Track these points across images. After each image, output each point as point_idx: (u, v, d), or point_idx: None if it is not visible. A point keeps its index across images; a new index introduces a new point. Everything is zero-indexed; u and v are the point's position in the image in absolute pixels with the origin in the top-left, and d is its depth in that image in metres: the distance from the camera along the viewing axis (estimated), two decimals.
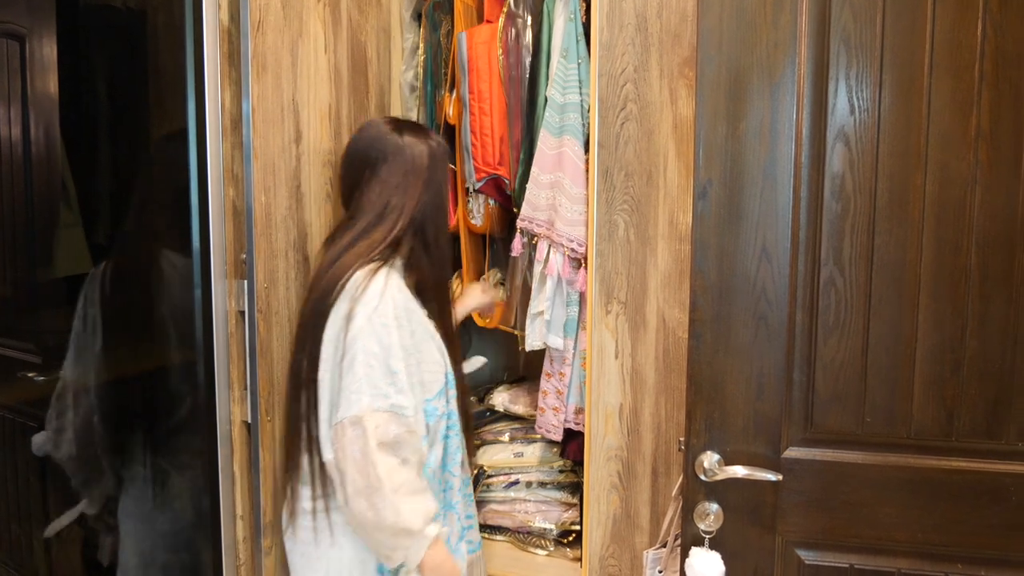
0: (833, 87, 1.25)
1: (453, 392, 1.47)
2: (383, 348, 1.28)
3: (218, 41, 1.38)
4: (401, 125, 1.45)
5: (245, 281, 1.42)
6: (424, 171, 1.43)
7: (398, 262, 1.43)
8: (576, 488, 2.02)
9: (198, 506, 1.46)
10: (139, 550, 1.44)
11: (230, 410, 1.43)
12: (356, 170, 1.44)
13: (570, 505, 2.00)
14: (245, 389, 1.44)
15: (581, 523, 1.91)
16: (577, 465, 2.00)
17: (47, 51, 1.25)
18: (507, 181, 1.91)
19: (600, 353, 1.70)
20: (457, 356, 1.55)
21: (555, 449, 1.99)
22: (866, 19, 1.24)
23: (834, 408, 1.30)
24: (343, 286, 1.31)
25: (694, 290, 1.32)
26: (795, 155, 1.27)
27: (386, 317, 1.30)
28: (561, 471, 2.01)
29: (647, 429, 1.68)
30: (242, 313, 1.43)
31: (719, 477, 1.31)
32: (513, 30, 1.90)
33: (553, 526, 1.99)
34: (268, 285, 1.43)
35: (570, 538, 2.00)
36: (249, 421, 1.44)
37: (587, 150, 1.79)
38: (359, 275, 1.32)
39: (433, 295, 1.48)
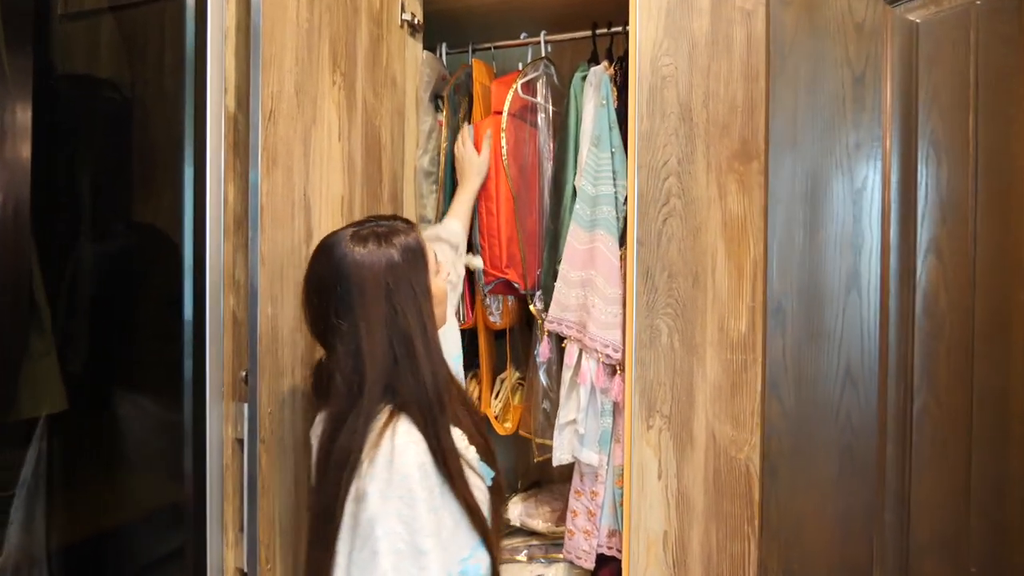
0: (923, 194, 1.12)
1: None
2: (407, 526, 1.05)
3: (223, 130, 1.22)
4: (363, 235, 1.17)
5: (245, 404, 1.22)
6: (383, 288, 1.14)
7: (397, 401, 1.16)
8: None
9: None
10: None
11: (223, 557, 1.21)
12: (319, 302, 1.17)
13: None
14: (241, 531, 1.23)
15: None
16: None
17: (20, 145, 1.07)
18: (516, 285, 1.76)
19: (641, 472, 1.51)
20: (491, 458, 1.30)
21: (583, 573, 1.78)
22: (956, 120, 1.12)
23: (933, 554, 1.13)
24: (349, 477, 1.08)
25: (768, 418, 1.16)
26: (882, 268, 1.13)
27: (402, 487, 1.06)
28: None
29: (696, 561, 1.49)
30: (240, 441, 1.23)
31: None
32: (528, 115, 1.77)
33: None
34: (272, 409, 1.23)
35: None
36: (246, 570, 1.23)
37: (622, 245, 1.65)
38: (364, 453, 1.09)
39: (437, 410, 1.17)
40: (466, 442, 1.22)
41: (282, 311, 1.25)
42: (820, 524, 1.14)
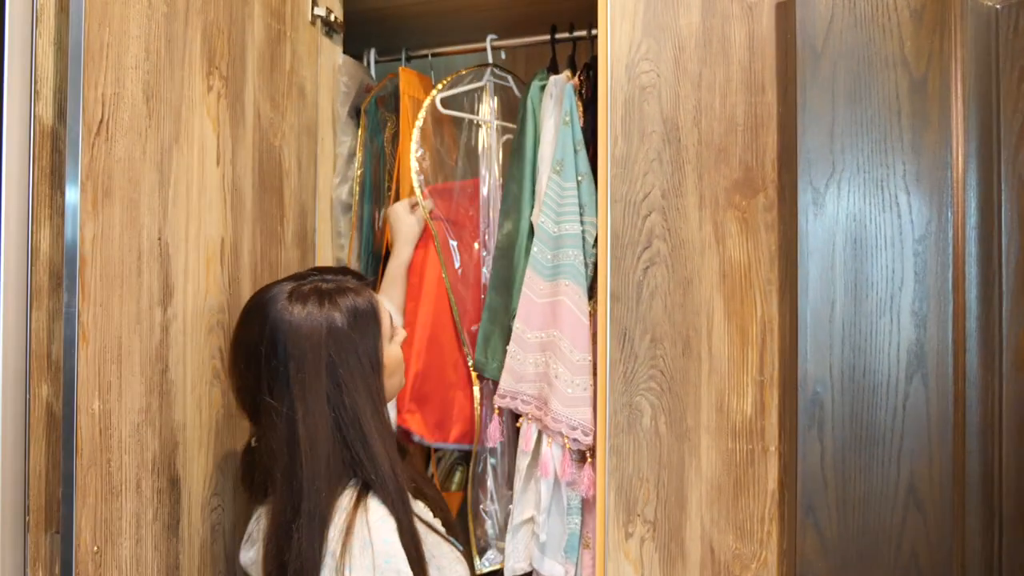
0: (1011, 240, 0.81)
1: None
2: None
3: (31, 151, 0.85)
4: (303, 292, 0.96)
5: (60, 537, 0.85)
6: (324, 360, 0.94)
7: (356, 483, 0.98)
8: None
9: None
10: None
11: None
12: (247, 373, 0.95)
13: None
14: None
15: None
16: None
17: None
18: (416, 437, 1.39)
19: None
20: (455, 532, 1.12)
21: None
22: None
23: None
24: None
25: (802, 556, 0.83)
26: (954, 346, 0.81)
27: (389, 570, 0.91)
28: None
29: None
30: None
31: None
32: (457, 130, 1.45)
33: None
34: (99, 548, 0.86)
35: None
36: None
37: (592, 299, 1.31)
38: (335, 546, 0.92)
39: (397, 495, 0.98)
40: (430, 514, 1.09)
41: (121, 403, 0.89)
42: None
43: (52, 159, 0.88)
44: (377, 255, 1.43)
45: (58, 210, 0.88)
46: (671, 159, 1.17)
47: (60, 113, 0.89)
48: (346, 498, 0.95)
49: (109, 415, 0.88)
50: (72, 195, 0.84)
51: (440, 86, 1.44)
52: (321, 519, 0.92)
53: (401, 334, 1.10)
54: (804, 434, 0.84)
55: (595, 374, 1.26)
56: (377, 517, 0.93)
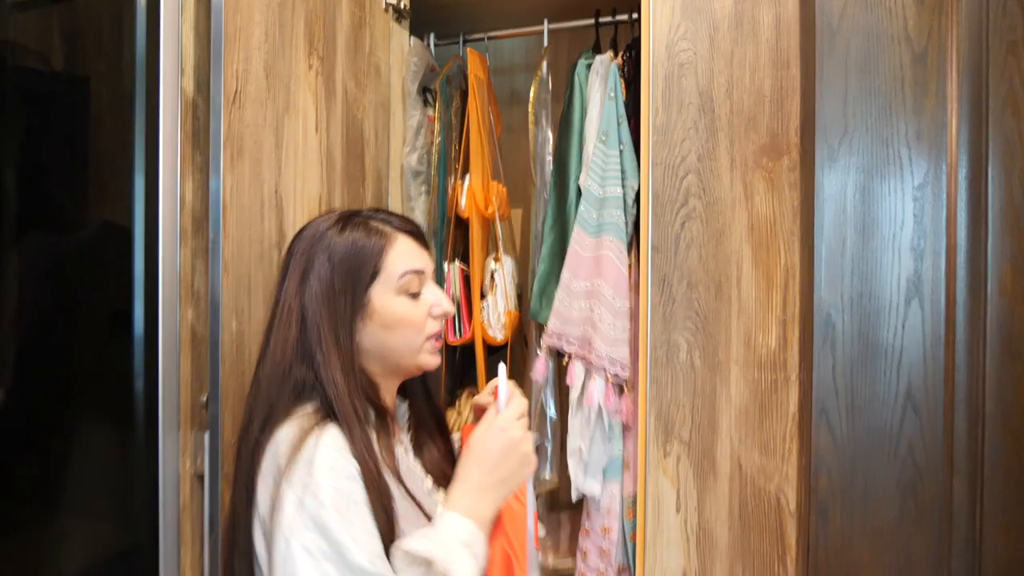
0: (996, 188, 0.96)
1: None
2: (329, 534, 0.82)
3: (179, 116, 1.04)
4: (342, 215, 0.99)
5: (206, 434, 1.04)
6: (303, 262, 0.95)
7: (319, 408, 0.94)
8: None
9: None
10: None
11: None
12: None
13: None
14: None
15: None
16: None
17: None
18: None
19: (656, 505, 1.35)
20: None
21: None
22: None
23: None
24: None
25: (816, 451, 1.00)
26: (947, 275, 0.97)
27: (325, 491, 0.84)
28: None
29: None
30: (200, 477, 1.05)
31: None
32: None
33: None
34: (236, 441, 1.05)
35: None
36: None
37: (631, 252, 1.49)
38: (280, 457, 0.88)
39: (355, 422, 0.92)
40: (423, 472, 1.02)
41: (249, 326, 1.08)
42: (877, 572, 0.98)
43: (193, 125, 1.07)
44: (447, 218, 1.61)
45: (198, 167, 1.07)
46: (706, 127, 1.33)
47: (199, 86, 1.08)
48: (306, 414, 0.91)
49: (243, 335, 1.07)
50: (216, 153, 1.02)
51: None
52: (267, 424, 0.90)
53: (429, 304, 0.99)
54: (819, 350, 1.00)
55: (633, 318, 1.43)
56: (331, 439, 0.88)
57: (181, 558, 1.04)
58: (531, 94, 1.60)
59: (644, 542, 1.36)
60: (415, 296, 0.97)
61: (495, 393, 0.94)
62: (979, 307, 0.97)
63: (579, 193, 1.52)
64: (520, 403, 0.92)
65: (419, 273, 0.97)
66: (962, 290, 0.97)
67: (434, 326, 0.98)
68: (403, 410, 1.08)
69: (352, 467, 0.87)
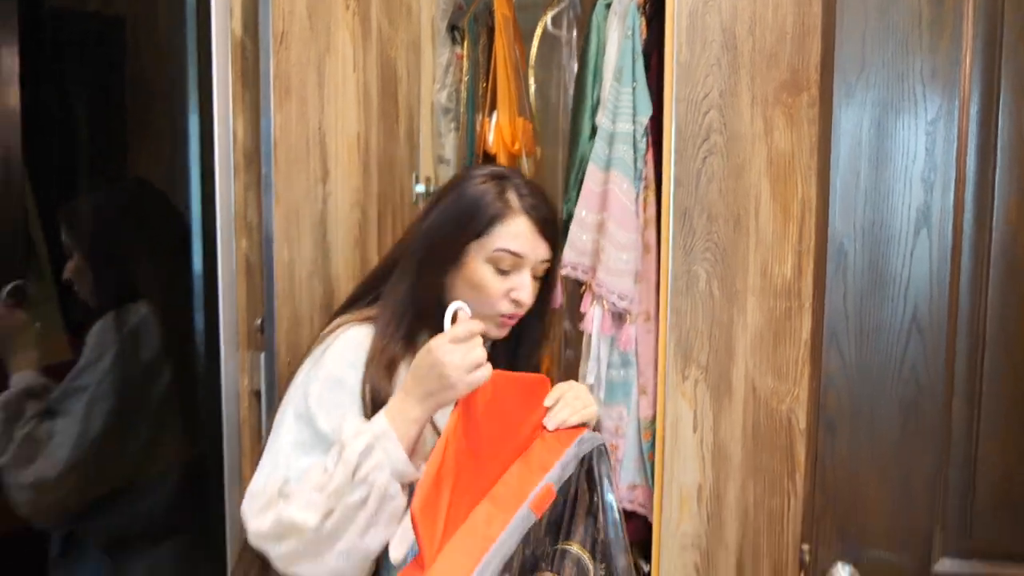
0: (1006, 124, 1.01)
1: None
2: (314, 400, 0.96)
3: (229, 57, 1.10)
4: (491, 170, 1.10)
5: (262, 354, 1.14)
6: (438, 206, 1.07)
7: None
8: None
9: None
10: None
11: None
12: None
13: None
14: None
15: None
16: (632, 546, 1.74)
17: (6, 71, 0.95)
18: None
19: (675, 425, 1.44)
20: None
21: None
22: None
23: (999, 516, 1.06)
24: None
25: (827, 370, 1.08)
26: (955, 206, 1.03)
27: (329, 368, 0.98)
28: None
29: (731, 515, 1.43)
30: (257, 394, 1.15)
31: None
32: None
33: None
34: (291, 359, 1.15)
35: None
36: None
37: (643, 188, 1.55)
38: None
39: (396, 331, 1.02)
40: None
41: (299, 255, 1.16)
42: (880, 484, 1.07)
43: (243, 65, 1.13)
44: (475, 155, 1.67)
45: (248, 105, 1.14)
46: (728, 64, 1.37)
47: (246, 28, 1.13)
48: (361, 313, 1.02)
49: (293, 264, 1.15)
50: (266, 92, 1.09)
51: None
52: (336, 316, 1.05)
53: (510, 287, 1.04)
54: (831, 278, 1.07)
55: (650, 251, 1.50)
56: (357, 332, 0.96)
57: (243, 467, 1.15)
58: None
59: (662, 460, 1.46)
60: (503, 273, 1.03)
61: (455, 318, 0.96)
62: (984, 236, 1.03)
63: (595, 131, 1.57)
64: (462, 327, 0.92)
65: (516, 256, 1.03)
66: (969, 220, 1.03)
67: (507, 307, 1.04)
68: None
69: (359, 359, 0.97)
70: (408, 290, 1.02)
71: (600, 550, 1.04)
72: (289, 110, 1.13)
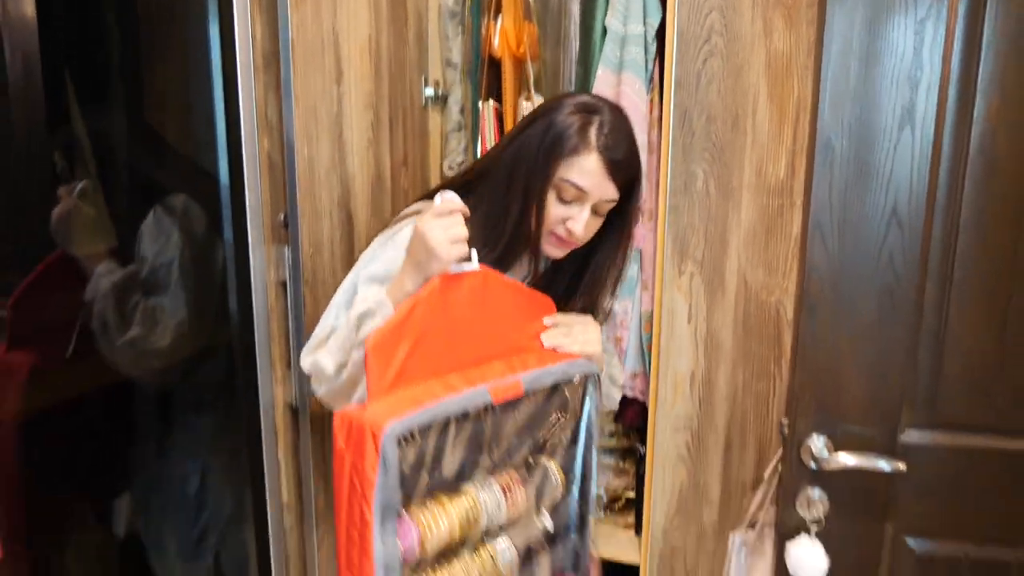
0: (991, 23, 1.06)
1: None
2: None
3: None
4: (584, 102, 1.13)
5: (286, 247, 1.22)
6: (528, 124, 1.13)
7: None
8: (627, 454, 1.91)
9: (241, 496, 1.31)
10: (181, 541, 1.30)
11: (273, 392, 1.26)
12: None
13: (622, 471, 1.89)
14: (289, 368, 1.27)
15: (637, 491, 1.81)
16: (632, 431, 1.88)
17: None
18: None
19: (671, 317, 1.54)
20: None
21: (608, 413, 1.86)
22: None
23: (962, 390, 1.17)
24: None
25: (811, 258, 1.16)
26: (939, 103, 1.09)
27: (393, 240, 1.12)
28: (612, 435, 1.89)
29: (721, 399, 1.55)
30: (283, 284, 1.25)
31: (829, 467, 1.19)
32: None
33: (603, 491, 1.88)
34: (313, 251, 1.24)
35: (620, 504, 1.90)
36: (295, 404, 1.28)
37: (651, 90, 1.59)
38: None
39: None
40: None
41: (318, 152, 1.23)
42: (855, 361, 1.17)
43: None
44: (483, 58, 1.71)
45: (265, 8, 1.18)
46: None
47: None
48: None
49: (312, 160, 1.22)
50: None
51: None
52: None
53: (567, 215, 1.10)
54: (818, 171, 1.14)
55: (654, 151, 1.56)
56: (422, 222, 0.98)
57: (271, 349, 1.25)
58: None
59: (659, 349, 1.56)
60: (564, 202, 1.09)
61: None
62: (965, 132, 1.09)
63: (604, 33, 1.60)
64: (444, 204, 0.99)
65: (578, 189, 1.08)
66: (951, 116, 1.09)
67: (560, 230, 1.10)
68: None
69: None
70: (510, 222, 1.09)
71: (575, 472, 1.13)
72: (304, 12, 1.17)
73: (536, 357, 1.09)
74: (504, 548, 1.02)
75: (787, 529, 1.25)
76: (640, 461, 1.75)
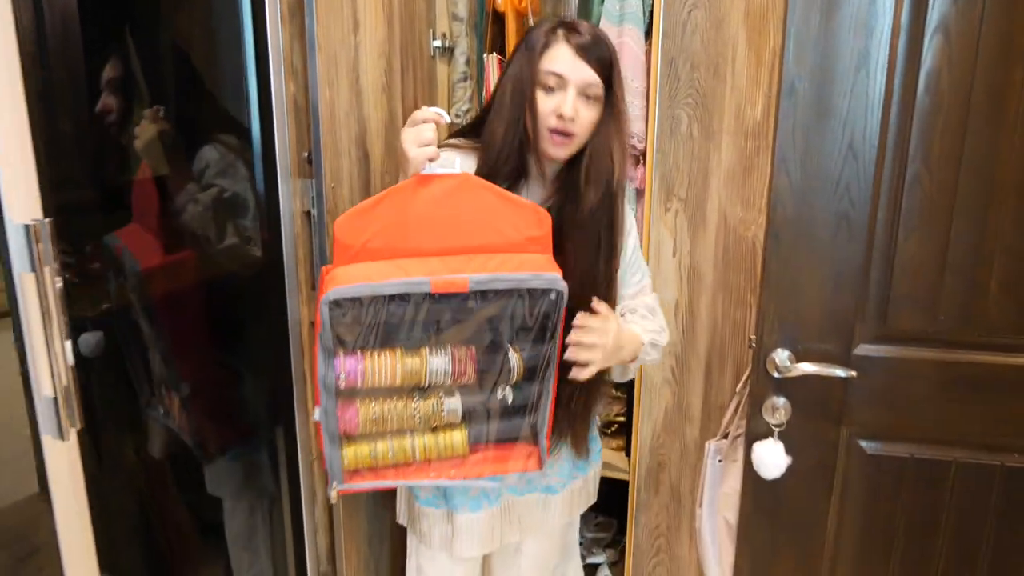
0: None
1: None
2: None
3: None
4: (552, 23, 1.28)
5: (311, 181, 1.38)
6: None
7: None
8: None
9: (272, 406, 1.48)
10: (213, 450, 1.48)
11: (299, 312, 1.42)
12: None
13: (614, 399, 2.05)
14: (312, 290, 1.43)
15: (628, 415, 1.97)
16: None
17: None
18: None
19: (657, 250, 1.69)
20: None
21: None
22: None
23: (909, 306, 1.32)
24: None
25: (776, 189, 1.30)
26: (890, 48, 1.22)
27: None
28: None
29: (703, 326, 1.70)
30: (307, 214, 1.40)
31: (791, 374, 1.34)
32: None
33: (596, 417, 2.05)
34: (335, 184, 1.39)
35: (613, 428, 2.06)
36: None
37: (648, 39, 1.72)
38: None
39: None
40: None
41: (338, 95, 1.37)
42: (813, 281, 1.32)
43: None
44: (488, 12, 1.83)
45: None
46: None
47: None
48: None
49: (333, 103, 1.37)
50: None
51: None
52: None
53: (554, 104, 1.22)
54: (783, 112, 1.27)
55: (648, 97, 1.69)
56: (459, 160, 1.18)
57: (298, 273, 1.41)
58: None
59: None
60: (549, 91, 1.22)
61: None
62: (913, 74, 1.23)
63: None
64: (419, 113, 1.16)
65: (557, 76, 1.21)
66: (901, 59, 1.22)
67: (553, 122, 1.22)
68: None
69: None
70: (500, 125, 1.25)
71: (539, 363, 1.24)
72: None
73: (507, 260, 1.17)
74: (451, 402, 1.21)
75: (754, 435, 1.42)
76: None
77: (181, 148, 1.29)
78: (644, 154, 1.71)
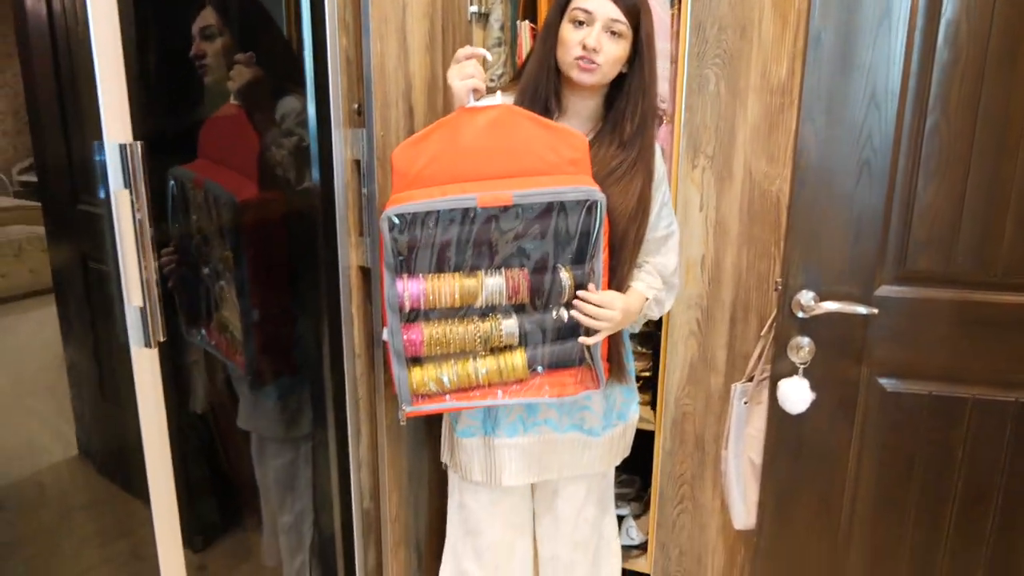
0: None
1: None
2: None
3: None
4: None
5: (362, 130, 1.46)
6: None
7: None
8: (647, 338, 2.15)
9: (321, 345, 1.57)
10: (268, 380, 1.57)
11: (348, 255, 1.51)
12: None
13: (641, 354, 2.13)
14: (361, 236, 1.52)
15: (655, 369, 2.05)
16: None
17: None
18: None
19: (685, 206, 1.77)
20: None
21: None
22: None
23: (927, 250, 1.39)
24: None
25: (801, 137, 1.38)
26: (912, 1, 1.30)
27: None
28: None
29: (728, 278, 1.78)
30: (357, 162, 1.49)
31: (815, 313, 1.42)
32: None
33: (633, 365, 2.13)
34: (384, 134, 1.47)
35: (639, 384, 2.14)
36: (367, 265, 1.53)
37: (673, 5, 1.79)
38: None
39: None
40: None
41: (387, 49, 1.46)
42: (837, 226, 1.40)
43: None
44: None
45: None
46: None
47: None
48: None
49: (383, 56, 1.45)
50: None
51: None
52: None
53: (581, 37, 1.33)
54: (810, 65, 1.35)
55: (674, 60, 1.77)
56: (501, 98, 1.32)
57: (349, 218, 1.50)
58: None
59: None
60: (578, 25, 1.34)
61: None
62: (934, 26, 1.30)
63: None
64: (462, 51, 1.35)
65: (586, 12, 1.33)
66: (922, 13, 1.30)
67: (578, 51, 1.34)
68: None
69: None
70: (534, 61, 1.41)
71: (586, 281, 1.35)
72: None
73: (547, 180, 1.29)
74: (508, 324, 1.33)
75: (780, 374, 1.50)
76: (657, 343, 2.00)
77: (268, 94, 1.39)
78: (668, 114, 1.79)
